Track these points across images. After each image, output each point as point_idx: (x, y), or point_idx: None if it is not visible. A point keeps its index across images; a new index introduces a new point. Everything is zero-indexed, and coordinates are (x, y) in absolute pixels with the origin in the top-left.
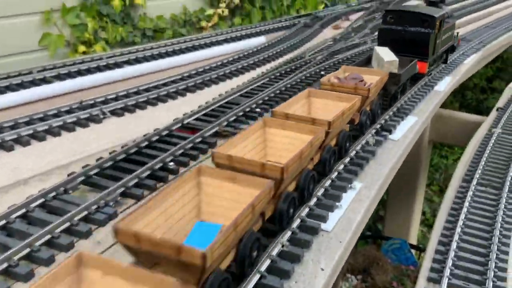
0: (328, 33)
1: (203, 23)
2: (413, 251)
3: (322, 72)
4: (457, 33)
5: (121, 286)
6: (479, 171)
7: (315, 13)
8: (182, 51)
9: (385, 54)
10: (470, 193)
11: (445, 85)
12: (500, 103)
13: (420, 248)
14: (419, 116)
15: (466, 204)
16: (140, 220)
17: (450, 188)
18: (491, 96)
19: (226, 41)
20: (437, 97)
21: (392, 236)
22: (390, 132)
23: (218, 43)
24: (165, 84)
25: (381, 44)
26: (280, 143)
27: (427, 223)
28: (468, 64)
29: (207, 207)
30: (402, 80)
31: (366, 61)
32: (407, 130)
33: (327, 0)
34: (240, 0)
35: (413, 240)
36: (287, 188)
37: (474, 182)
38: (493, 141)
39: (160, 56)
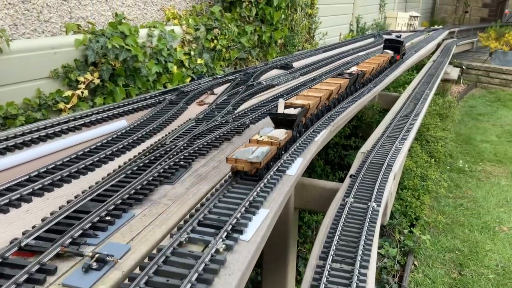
0: (192, 110)
1: (61, 105)
2: None
3: (182, 162)
4: (405, 48)
5: None
6: (334, 247)
7: (181, 88)
8: (33, 141)
9: (388, 51)
10: (326, 272)
11: (296, 168)
12: (353, 169)
13: None
14: (270, 208)
15: (322, 286)
16: None
17: (308, 268)
18: (351, 151)
19: (85, 125)
20: (289, 182)
21: None
22: (241, 232)
23: (76, 128)
24: (8, 189)
25: (384, 48)
26: None
27: None
28: (318, 141)
29: None
30: (393, 58)
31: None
32: (258, 227)
33: (193, 73)
34: (100, 79)
35: None
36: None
37: (330, 259)
38: (346, 212)
39: (7, 149)
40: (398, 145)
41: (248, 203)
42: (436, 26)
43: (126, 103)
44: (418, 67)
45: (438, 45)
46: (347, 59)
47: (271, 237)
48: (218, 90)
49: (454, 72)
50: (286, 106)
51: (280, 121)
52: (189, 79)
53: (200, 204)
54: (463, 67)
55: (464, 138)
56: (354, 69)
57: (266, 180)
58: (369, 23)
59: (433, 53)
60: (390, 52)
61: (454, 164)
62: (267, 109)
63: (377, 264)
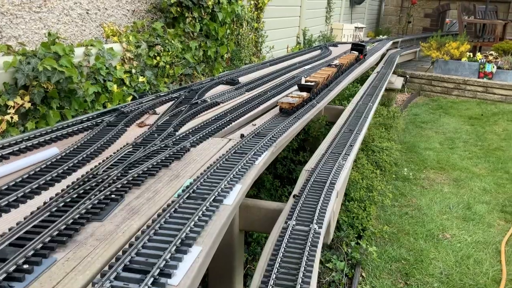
0: (131, 132)
1: None
2: None
3: (113, 195)
4: (367, 50)
5: None
6: (274, 276)
7: (121, 108)
8: None
9: (355, 51)
10: None
11: (234, 196)
12: (297, 188)
13: None
14: (204, 244)
15: None
16: None
17: None
18: (299, 166)
19: (13, 153)
20: (225, 213)
21: None
22: (169, 276)
23: (3, 157)
24: None
25: (352, 50)
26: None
27: None
28: (259, 164)
29: None
30: (358, 57)
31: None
32: (189, 268)
33: (135, 91)
34: (32, 103)
35: None
36: None
37: None
38: (287, 236)
39: None
40: (341, 162)
41: (179, 240)
42: (381, 36)
43: (60, 126)
44: (363, 78)
45: (383, 55)
46: (294, 73)
47: (215, 260)
48: (161, 109)
49: (398, 82)
50: (306, 81)
51: (303, 88)
52: (130, 97)
53: (129, 244)
54: (407, 76)
55: (408, 146)
56: (337, 62)
57: (201, 212)
58: (316, 35)
59: (377, 63)
60: (356, 53)
61: (399, 172)
62: (210, 130)
63: (325, 278)
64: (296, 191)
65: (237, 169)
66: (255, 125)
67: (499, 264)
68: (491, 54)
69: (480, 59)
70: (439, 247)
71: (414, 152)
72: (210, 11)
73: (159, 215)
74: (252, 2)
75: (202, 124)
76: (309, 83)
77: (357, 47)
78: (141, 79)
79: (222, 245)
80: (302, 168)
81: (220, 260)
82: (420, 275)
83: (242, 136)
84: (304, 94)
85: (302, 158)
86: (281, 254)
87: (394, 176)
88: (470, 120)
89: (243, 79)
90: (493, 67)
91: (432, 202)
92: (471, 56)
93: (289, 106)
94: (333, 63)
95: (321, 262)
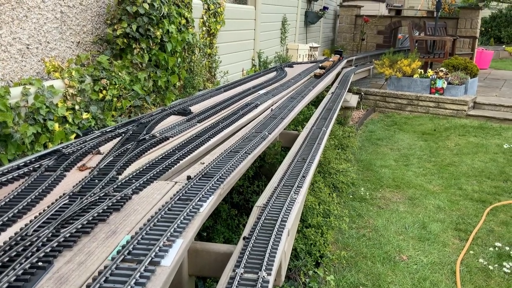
0: (71, 178)
1: None
2: None
3: (41, 262)
4: (342, 56)
5: None
6: None
7: (63, 148)
8: None
9: (337, 54)
10: None
11: (174, 254)
12: (247, 228)
13: None
14: None
15: None
16: None
17: None
18: (255, 196)
19: None
20: (162, 277)
21: None
22: None
23: None
24: None
25: (335, 54)
26: None
27: None
28: (204, 212)
29: None
30: (339, 58)
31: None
32: None
33: (79, 128)
34: None
35: None
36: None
37: None
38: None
39: None
40: (293, 196)
41: None
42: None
43: None
44: (319, 99)
45: (338, 74)
46: (248, 100)
47: None
48: (106, 147)
49: (354, 100)
50: (322, 65)
51: (322, 67)
52: (73, 135)
53: None
54: (362, 93)
55: (365, 164)
56: (331, 59)
57: (134, 280)
58: (271, 56)
59: (332, 83)
60: (338, 55)
61: (356, 192)
62: (156, 172)
63: None
64: (247, 231)
65: (180, 220)
66: (204, 163)
67: (454, 285)
68: (441, 70)
69: (431, 75)
70: (396, 270)
71: (370, 170)
72: (159, 41)
73: (88, 287)
74: (204, 28)
75: (148, 165)
76: (324, 66)
77: (338, 52)
78: (85, 115)
79: None
80: (259, 196)
81: None
82: None
83: (188, 178)
84: (323, 70)
85: (257, 188)
86: None
87: (351, 196)
88: (424, 136)
89: (196, 108)
90: (444, 82)
91: (388, 222)
92: (423, 72)
93: (319, 74)
94: (330, 59)
95: None
